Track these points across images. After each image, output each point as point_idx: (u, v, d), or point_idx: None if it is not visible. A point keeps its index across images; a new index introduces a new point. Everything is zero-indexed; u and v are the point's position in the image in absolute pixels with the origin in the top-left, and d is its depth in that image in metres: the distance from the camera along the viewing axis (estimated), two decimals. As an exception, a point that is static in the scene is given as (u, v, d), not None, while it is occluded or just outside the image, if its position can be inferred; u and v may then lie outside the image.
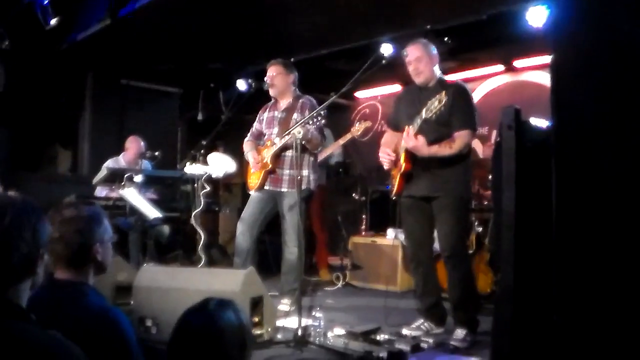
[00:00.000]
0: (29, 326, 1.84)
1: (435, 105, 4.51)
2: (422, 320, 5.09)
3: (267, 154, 5.77)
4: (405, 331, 5.00)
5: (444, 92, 4.53)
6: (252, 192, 5.97)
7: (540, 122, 3.05)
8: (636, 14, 2.39)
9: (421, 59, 4.95)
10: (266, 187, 5.83)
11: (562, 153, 2.52)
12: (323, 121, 5.40)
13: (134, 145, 8.08)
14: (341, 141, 7.72)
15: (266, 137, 5.99)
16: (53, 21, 7.94)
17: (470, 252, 6.40)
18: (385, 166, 5.10)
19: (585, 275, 2.44)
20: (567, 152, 2.52)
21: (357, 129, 7.17)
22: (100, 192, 7.40)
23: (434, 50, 5.06)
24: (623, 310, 2.36)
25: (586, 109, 2.50)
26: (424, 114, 4.60)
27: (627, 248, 2.37)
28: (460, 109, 4.79)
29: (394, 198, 5.19)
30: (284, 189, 5.76)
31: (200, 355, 2.29)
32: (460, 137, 4.75)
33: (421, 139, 4.66)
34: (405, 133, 4.74)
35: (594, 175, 2.46)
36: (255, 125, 6.17)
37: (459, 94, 4.84)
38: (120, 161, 8.00)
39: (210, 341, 2.30)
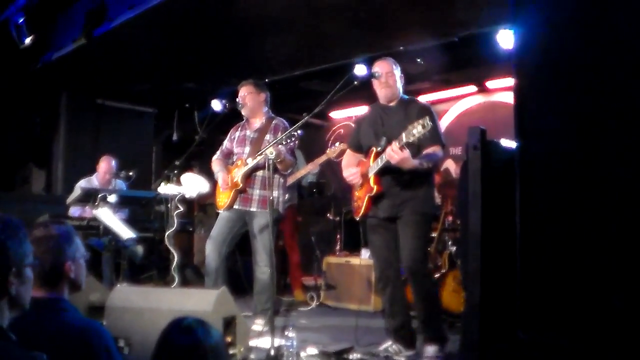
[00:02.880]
0: (8, 345, 1.84)
1: (419, 129, 4.44)
2: (390, 342, 5.03)
3: (238, 173, 5.78)
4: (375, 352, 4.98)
5: (427, 118, 4.47)
6: (221, 211, 5.97)
7: (510, 143, 3.11)
8: (594, 40, 2.46)
9: (391, 75, 5.04)
10: (236, 207, 5.82)
11: (525, 171, 2.58)
12: (296, 142, 5.42)
13: (105, 165, 8.06)
14: (317, 162, 7.74)
15: (236, 156, 5.99)
16: (27, 40, 7.95)
17: (443, 271, 6.45)
18: (355, 181, 5.07)
19: (549, 292, 2.49)
20: (530, 171, 2.58)
21: (333, 151, 7.22)
22: (74, 212, 7.37)
23: (400, 71, 5.15)
24: (586, 327, 2.41)
25: (548, 129, 2.57)
26: (404, 137, 4.52)
27: (590, 265, 2.42)
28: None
29: (358, 219, 5.20)
30: (254, 209, 5.76)
31: None
32: (434, 152, 4.83)
33: (407, 152, 4.62)
34: (390, 148, 4.66)
35: (557, 192, 2.52)
36: (226, 143, 6.17)
37: (423, 111, 4.87)
38: (93, 181, 7.98)
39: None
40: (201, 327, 2.37)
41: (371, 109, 5.32)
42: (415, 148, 4.80)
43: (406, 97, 5.16)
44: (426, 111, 4.93)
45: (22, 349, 1.83)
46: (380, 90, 5.08)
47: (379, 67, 5.09)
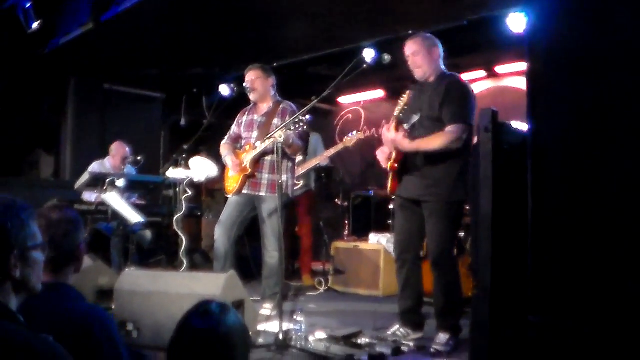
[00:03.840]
0: (16, 327, 1.83)
1: (400, 103, 4.49)
2: (397, 326, 5.01)
3: (247, 157, 5.76)
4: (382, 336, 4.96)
5: (408, 92, 4.48)
6: (230, 196, 5.96)
7: (521, 126, 3.08)
8: (607, 24, 2.43)
9: (418, 53, 4.84)
10: (245, 191, 5.81)
11: (538, 155, 2.56)
12: (305, 127, 5.39)
13: (119, 150, 8.09)
14: (333, 150, 7.67)
15: (244, 140, 5.98)
16: (35, 25, 7.94)
17: (452, 256, 6.43)
18: (382, 164, 4.97)
19: (560, 276, 2.47)
20: (543, 154, 2.56)
21: (350, 139, 7.18)
22: (89, 196, 7.35)
23: (436, 44, 4.93)
24: (597, 311, 2.39)
25: (560, 113, 2.54)
26: (396, 111, 4.57)
27: (602, 249, 2.41)
28: (452, 102, 4.65)
29: (392, 197, 5.12)
30: (263, 193, 5.76)
31: (208, 358, 2.28)
32: (448, 132, 4.62)
33: (399, 133, 4.59)
34: (385, 128, 4.69)
35: (569, 176, 2.50)
36: (234, 128, 6.16)
37: (452, 87, 4.73)
38: (105, 165, 8.00)
39: (217, 344, 2.29)
40: (221, 310, 2.36)
41: (415, 86, 5.01)
42: (439, 126, 4.68)
43: (447, 72, 4.94)
44: (456, 85, 4.79)
45: (31, 331, 1.82)
46: (414, 74, 4.91)
47: (406, 46, 4.92)
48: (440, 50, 4.93)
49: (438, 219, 4.74)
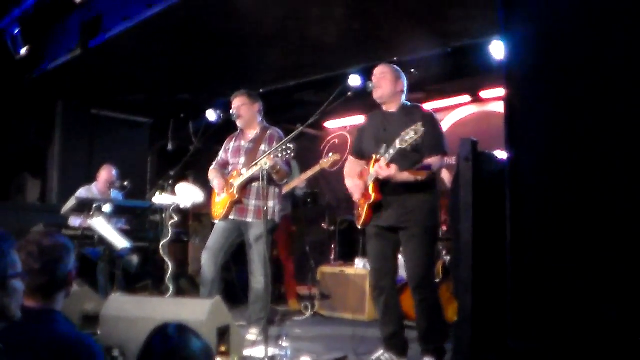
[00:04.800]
0: None
1: (411, 136, 4.50)
2: (382, 351, 5.01)
3: (234, 183, 5.78)
4: (369, 360, 4.99)
5: (420, 124, 4.50)
6: (217, 222, 5.98)
7: (502, 155, 3.14)
8: (583, 51, 2.50)
9: (385, 76, 5.01)
10: (231, 217, 5.83)
11: (515, 182, 2.61)
12: (292, 154, 5.41)
13: (105, 174, 8.10)
14: (310, 173, 7.73)
15: (232, 166, 6.00)
16: (23, 50, 7.98)
17: (437, 280, 6.46)
18: (356, 197, 5.07)
19: (539, 302, 2.51)
20: (521, 182, 2.61)
21: (326, 161, 7.23)
22: (74, 221, 7.35)
23: (403, 78, 5.09)
24: (575, 336, 2.43)
25: (538, 141, 2.60)
26: (397, 144, 4.57)
27: (579, 275, 2.45)
28: (430, 134, 4.76)
29: (359, 227, 5.20)
30: (250, 219, 5.77)
31: None
32: (434, 162, 4.77)
33: (394, 167, 4.65)
34: (377, 164, 4.74)
35: (547, 203, 2.55)
36: (221, 154, 6.18)
37: (428, 119, 4.83)
38: (92, 190, 8.01)
39: None
40: (181, 335, 2.38)
41: (373, 115, 5.26)
42: (418, 156, 4.81)
43: (409, 103, 5.12)
44: (430, 117, 4.93)
45: (9, 358, 1.85)
46: (373, 92, 5.06)
47: (377, 69, 5.10)
48: (404, 83, 5.11)
49: (417, 244, 4.81)
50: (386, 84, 5.00)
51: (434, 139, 4.82)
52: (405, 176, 4.73)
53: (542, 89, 2.62)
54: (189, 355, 2.32)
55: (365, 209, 4.95)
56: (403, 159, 4.77)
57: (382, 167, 4.67)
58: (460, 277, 2.90)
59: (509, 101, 2.77)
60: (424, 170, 4.75)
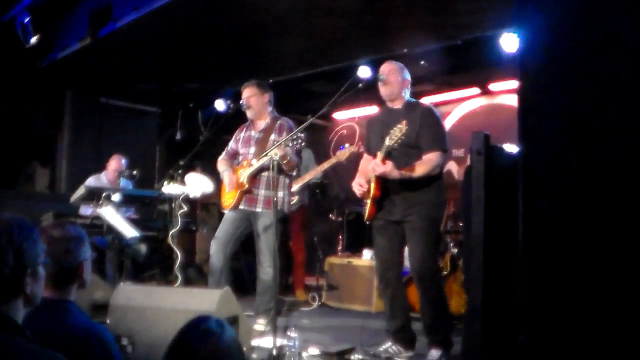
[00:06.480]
0: (25, 342, 1.89)
1: (397, 134, 4.62)
2: (390, 343, 5.07)
3: (244, 173, 5.78)
4: (375, 352, 5.01)
5: (404, 122, 4.63)
6: (226, 211, 5.98)
7: (513, 148, 3.13)
8: (598, 44, 2.48)
9: (393, 73, 5.07)
10: (241, 207, 5.82)
11: (528, 176, 2.60)
12: (303, 144, 5.40)
13: (115, 163, 8.12)
14: (326, 165, 7.66)
15: (242, 156, 5.99)
16: (33, 39, 7.99)
17: (445, 273, 6.47)
18: (358, 194, 5.10)
19: (551, 297, 2.51)
20: (534, 175, 2.60)
21: (343, 153, 7.16)
22: (85, 210, 7.37)
23: (407, 75, 5.15)
24: (587, 332, 2.43)
25: (551, 134, 2.59)
26: (387, 141, 4.68)
27: (592, 270, 2.45)
28: (428, 131, 4.86)
29: (366, 222, 5.23)
30: (259, 209, 5.77)
31: None
32: (429, 159, 4.80)
33: (389, 164, 4.69)
34: (374, 161, 4.79)
35: (560, 197, 2.54)
36: (231, 144, 6.18)
37: (426, 115, 4.93)
38: (102, 179, 8.03)
39: None
40: (220, 329, 2.31)
41: (380, 112, 5.34)
42: (418, 152, 4.84)
43: (412, 100, 5.17)
44: (429, 113, 4.98)
45: (39, 346, 1.88)
46: (381, 89, 5.10)
47: (383, 67, 5.14)
48: (408, 80, 5.17)
49: (420, 236, 4.86)
50: (393, 81, 5.06)
51: (432, 135, 4.88)
52: (400, 173, 4.75)
53: (556, 81, 2.61)
54: (228, 351, 2.27)
55: (369, 204, 4.98)
56: (403, 156, 4.85)
57: (377, 164, 4.73)
58: (471, 271, 2.90)
59: (522, 93, 2.76)
60: (416, 169, 4.77)
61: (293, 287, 8.55)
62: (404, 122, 4.63)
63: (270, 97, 6.07)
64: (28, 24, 7.88)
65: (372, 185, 4.90)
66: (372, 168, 4.78)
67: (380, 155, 4.75)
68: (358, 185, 5.06)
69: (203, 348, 2.20)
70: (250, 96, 5.98)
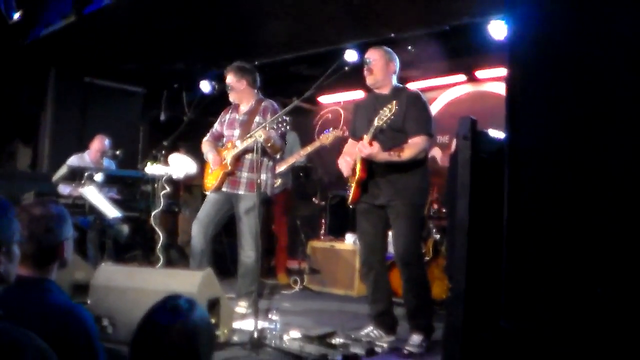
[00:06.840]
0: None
1: (386, 114, 4.64)
2: (371, 327, 5.08)
3: (228, 155, 5.77)
4: (356, 336, 5.03)
5: (394, 102, 4.64)
6: (208, 193, 5.96)
7: (497, 134, 3.12)
8: (588, 32, 2.47)
9: (377, 63, 5.02)
10: (223, 189, 5.81)
11: (514, 162, 2.60)
12: (287, 127, 5.39)
13: (98, 143, 8.05)
14: (309, 148, 7.62)
15: (226, 138, 5.97)
16: (16, 16, 7.90)
17: (427, 258, 6.49)
18: (345, 173, 5.11)
19: (533, 283, 2.51)
20: (520, 162, 2.59)
21: (327, 137, 7.13)
22: (64, 189, 7.33)
23: (394, 60, 5.12)
24: (569, 318, 2.43)
25: (538, 121, 2.58)
26: (376, 122, 4.69)
27: (576, 257, 2.45)
28: (414, 115, 4.85)
29: (350, 206, 5.23)
30: (241, 192, 5.75)
31: (172, 355, 2.16)
32: (415, 143, 4.80)
33: (376, 146, 4.70)
34: (360, 142, 4.80)
35: (545, 184, 2.54)
36: (216, 126, 6.15)
37: (412, 100, 4.92)
38: (85, 158, 7.96)
39: (184, 341, 2.16)
40: (188, 307, 2.28)
41: (367, 97, 5.33)
42: (404, 136, 4.83)
43: (400, 85, 5.16)
44: (415, 98, 4.97)
45: (10, 324, 1.85)
46: (366, 78, 5.08)
47: (368, 53, 5.11)
48: (396, 65, 5.14)
49: (405, 220, 4.86)
50: (378, 70, 5.03)
51: (418, 120, 4.88)
52: (386, 155, 4.75)
53: (545, 69, 2.60)
54: (196, 329, 2.23)
55: (354, 187, 4.98)
56: (389, 139, 4.84)
57: (364, 145, 4.72)
58: (454, 256, 2.90)
59: (511, 80, 2.74)
60: (401, 152, 4.75)
61: (275, 270, 8.56)
62: (394, 102, 4.64)
63: (250, 81, 5.97)
64: (11, 0, 7.79)
65: (358, 167, 4.90)
66: (358, 149, 4.78)
67: (367, 137, 4.75)
68: (344, 161, 5.06)
69: (172, 327, 2.15)
70: (231, 80, 5.94)
